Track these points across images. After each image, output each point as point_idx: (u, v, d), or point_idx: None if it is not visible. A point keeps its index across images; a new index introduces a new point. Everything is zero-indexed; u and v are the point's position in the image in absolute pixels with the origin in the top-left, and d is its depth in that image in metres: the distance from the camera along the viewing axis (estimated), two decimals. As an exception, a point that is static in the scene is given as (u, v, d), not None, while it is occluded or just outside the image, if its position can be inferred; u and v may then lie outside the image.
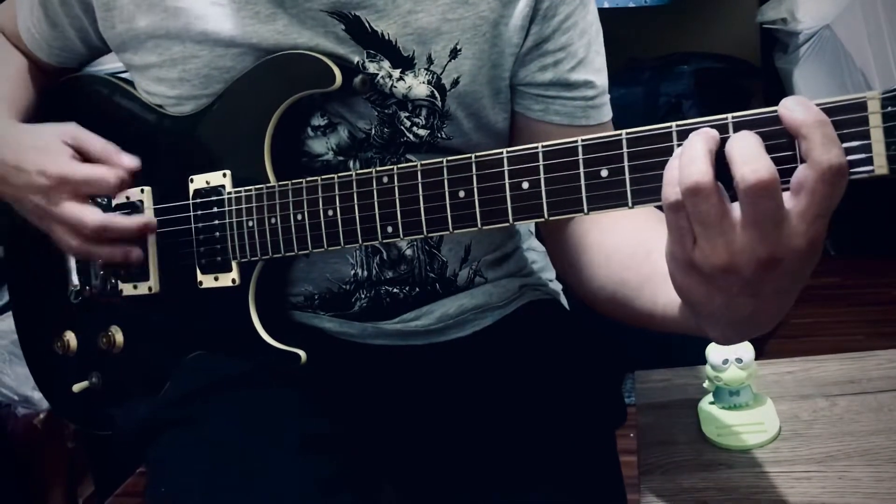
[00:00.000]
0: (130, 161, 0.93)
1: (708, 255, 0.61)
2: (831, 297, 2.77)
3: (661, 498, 0.96)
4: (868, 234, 2.99)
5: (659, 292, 0.74)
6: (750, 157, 0.58)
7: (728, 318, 0.66)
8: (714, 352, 1.07)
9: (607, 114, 0.94)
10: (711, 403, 1.09)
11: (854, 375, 1.12)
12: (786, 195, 0.59)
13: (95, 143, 0.94)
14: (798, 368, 1.16)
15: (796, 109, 0.59)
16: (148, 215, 0.94)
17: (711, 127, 0.62)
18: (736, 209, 0.60)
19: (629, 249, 0.83)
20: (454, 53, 0.87)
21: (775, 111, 0.60)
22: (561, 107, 0.91)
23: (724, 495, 0.95)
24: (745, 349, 1.06)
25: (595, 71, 0.92)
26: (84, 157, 0.94)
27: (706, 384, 1.10)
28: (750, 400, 1.07)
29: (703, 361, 1.08)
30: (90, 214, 0.91)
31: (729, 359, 1.06)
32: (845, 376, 1.12)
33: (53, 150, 0.93)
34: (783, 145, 0.61)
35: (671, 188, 0.61)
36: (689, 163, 0.60)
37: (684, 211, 0.61)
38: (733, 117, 0.62)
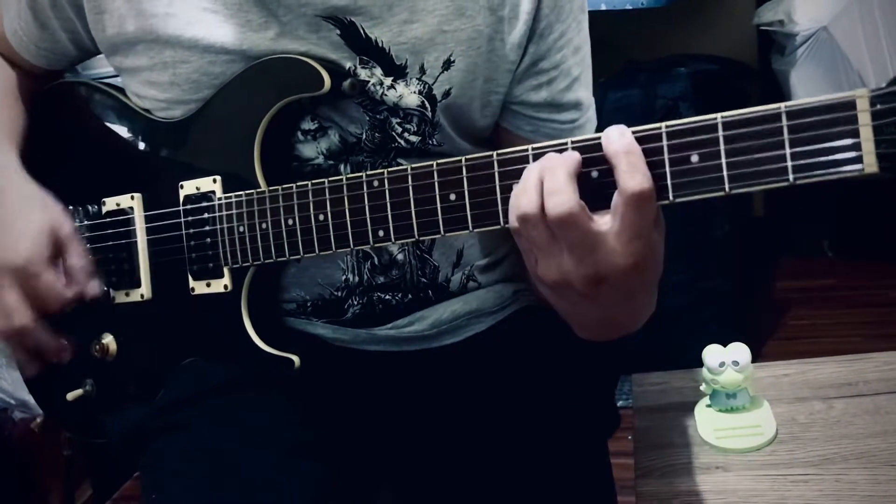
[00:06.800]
0: (90, 290, 0.92)
1: (544, 271, 0.68)
2: (828, 299, 2.76)
3: (657, 501, 0.96)
4: (865, 237, 2.99)
5: None
6: (554, 190, 0.64)
7: (580, 321, 0.76)
8: (711, 355, 1.06)
9: (590, 130, 0.95)
10: (708, 406, 1.09)
11: (851, 378, 1.12)
12: (606, 218, 0.65)
13: (74, 255, 0.92)
14: (795, 371, 1.16)
15: (612, 138, 0.64)
16: (62, 344, 0.93)
17: (699, 127, 0.63)
18: None
19: None
20: (447, 65, 0.86)
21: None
22: (551, 130, 0.92)
23: (720, 498, 0.95)
24: (742, 352, 1.06)
25: (586, 87, 0.93)
26: (58, 255, 0.92)
27: (703, 387, 1.10)
28: (747, 403, 1.07)
29: (700, 364, 1.08)
30: (18, 315, 0.89)
31: (725, 362, 1.05)
32: (842, 379, 1.12)
33: (32, 237, 0.90)
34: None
35: (511, 215, 0.67)
36: (521, 192, 0.66)
37: (522, 235, 0.67)
38: (723, 117, 0.63)
